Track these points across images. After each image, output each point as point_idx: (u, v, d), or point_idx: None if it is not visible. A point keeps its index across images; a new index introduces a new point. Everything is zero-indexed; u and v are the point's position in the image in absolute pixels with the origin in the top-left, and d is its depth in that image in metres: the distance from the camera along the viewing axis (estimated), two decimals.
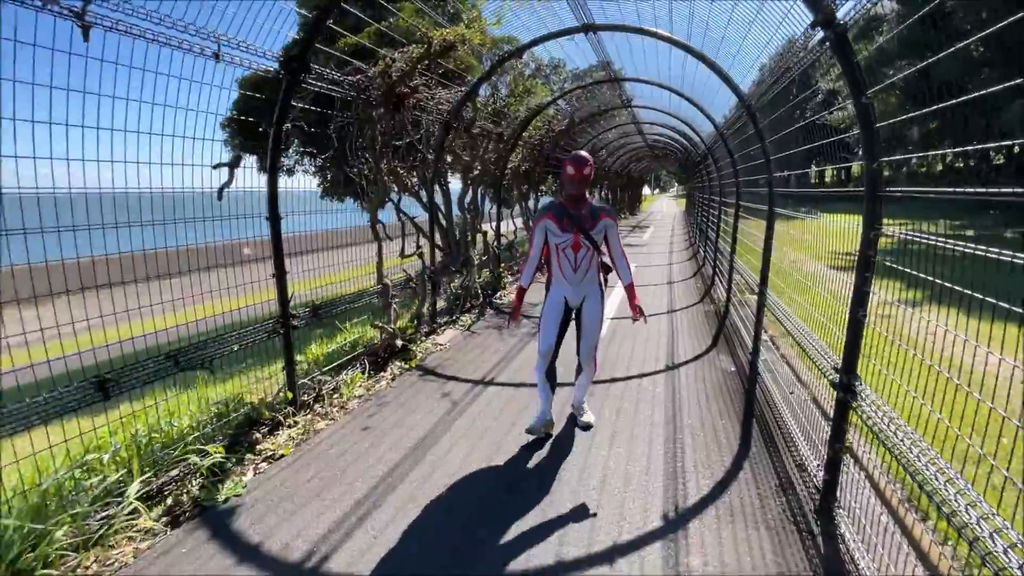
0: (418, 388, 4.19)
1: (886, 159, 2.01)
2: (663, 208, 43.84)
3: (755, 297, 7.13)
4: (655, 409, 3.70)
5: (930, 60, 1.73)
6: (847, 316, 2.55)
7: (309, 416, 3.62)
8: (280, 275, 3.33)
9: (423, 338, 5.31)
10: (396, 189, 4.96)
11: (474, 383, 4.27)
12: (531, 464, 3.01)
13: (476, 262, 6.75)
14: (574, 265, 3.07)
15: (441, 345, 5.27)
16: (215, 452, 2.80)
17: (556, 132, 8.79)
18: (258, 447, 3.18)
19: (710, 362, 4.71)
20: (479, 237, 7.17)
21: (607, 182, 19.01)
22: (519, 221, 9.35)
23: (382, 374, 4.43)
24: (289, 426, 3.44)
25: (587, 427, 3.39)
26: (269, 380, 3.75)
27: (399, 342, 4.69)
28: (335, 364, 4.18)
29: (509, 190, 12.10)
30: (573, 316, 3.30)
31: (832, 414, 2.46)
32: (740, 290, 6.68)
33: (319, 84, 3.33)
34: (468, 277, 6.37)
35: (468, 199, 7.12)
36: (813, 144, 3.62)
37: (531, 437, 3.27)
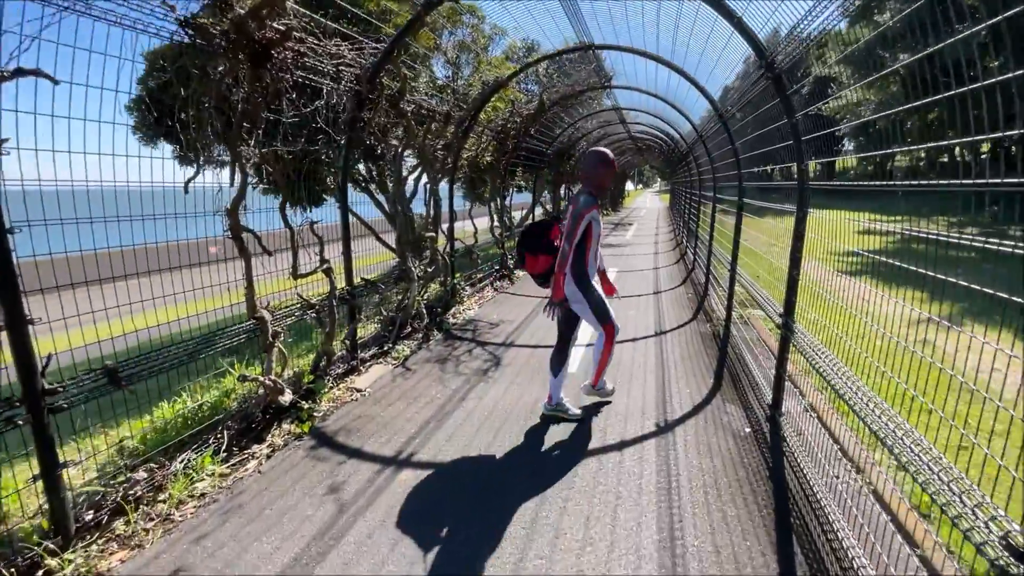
0: (300, 474, 2.87)
1: None
2: (646, 204, 43.04)
3: (759, 312, 5.98)
4: (643, 516, 2.43)
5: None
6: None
7: (100, 545, 2.27)
8: (13, 325, 1.97)
9: (334, 383, 3.97)
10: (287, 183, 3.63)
11: (384, 463, 2.96)
12: None
13: (420, 273, 5.42)
14: (597, 252, 3.28)
15: (359, 392, 3.94)
16: None
17: (524, 117, 7.48)
18: None
19: (715, 417, 3.48)
20: (434, 242, 5.82)
21: None
22: (482, 222, 8.02)
23: (255, 448, 3.09)
24: (48, 572, 2.09)
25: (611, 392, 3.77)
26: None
27: (287, 397, 3.35)
28: (169, 443, 2.82)
29: (477, 184, 10.75)
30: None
31: None
32: (741, 303, 5.51)
33: None
34: (407, 295, 5.04)
35: (408, 194, 5.77)
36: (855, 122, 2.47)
37: None
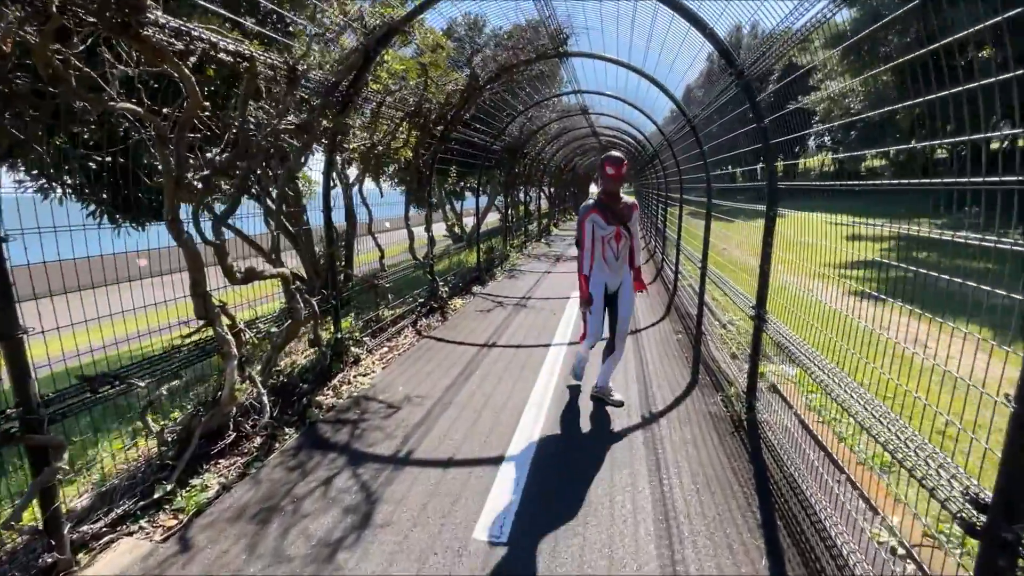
0: None
1: None
2: None
3: (783, 366, 4.18)
4: None
5: None
6: None
7: None
8: None
9: None
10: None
11: None
12: None
13: (255, 337, 3.26)
14: (616, 253, 3.39)
15: None
16: None
17: (451, 94, 5.43)
18: None
19: None
20: (289, 281, 3.63)
21: (548, 178, 15.85)
22: (408, 231, 5.88)
23: None
24: None
25: (620, 404, 3.61)
26: None
27: None
28: None
29: (416, 184, 8.61)
30: (608, 301, 3.53)
31: None
32: (741, 345, 3.66)
33: None
34: (221, 381, 2.86)
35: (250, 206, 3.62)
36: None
37: None
